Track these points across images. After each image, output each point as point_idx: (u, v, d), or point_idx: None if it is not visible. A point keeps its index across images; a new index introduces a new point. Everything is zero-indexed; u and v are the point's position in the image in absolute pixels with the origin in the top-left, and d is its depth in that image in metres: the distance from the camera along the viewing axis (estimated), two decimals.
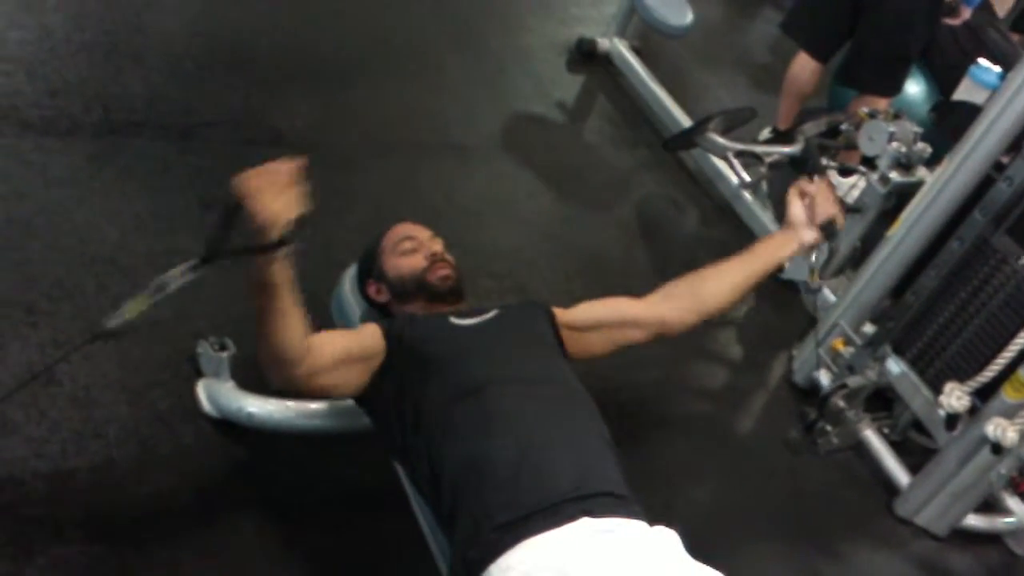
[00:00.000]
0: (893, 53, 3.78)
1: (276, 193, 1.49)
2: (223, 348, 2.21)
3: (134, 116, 2.96)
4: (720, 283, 2.15)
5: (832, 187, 2.24)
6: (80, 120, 2.84)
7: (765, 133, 4.13)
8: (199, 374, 2.23)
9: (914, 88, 4.17)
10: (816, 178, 2.26)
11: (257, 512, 2.08)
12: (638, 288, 3.21)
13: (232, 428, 2.17)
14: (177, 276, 1.55)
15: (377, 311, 2.17)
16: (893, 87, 3.86)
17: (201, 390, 2.20)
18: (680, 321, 2.14)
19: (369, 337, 1.88)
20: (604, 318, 2.12)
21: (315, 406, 2.19)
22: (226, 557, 1.97)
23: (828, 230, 2.19)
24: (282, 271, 1.57)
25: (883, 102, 3.74)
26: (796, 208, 2.22)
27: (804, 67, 3.92)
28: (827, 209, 2.20)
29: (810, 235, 2.21)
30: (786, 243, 2.22)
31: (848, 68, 3.90)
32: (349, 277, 2.30)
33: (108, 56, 3.13)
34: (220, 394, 2.18)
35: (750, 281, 2.17)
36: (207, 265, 1.56)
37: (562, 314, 2.08)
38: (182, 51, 3.32)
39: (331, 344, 1.80)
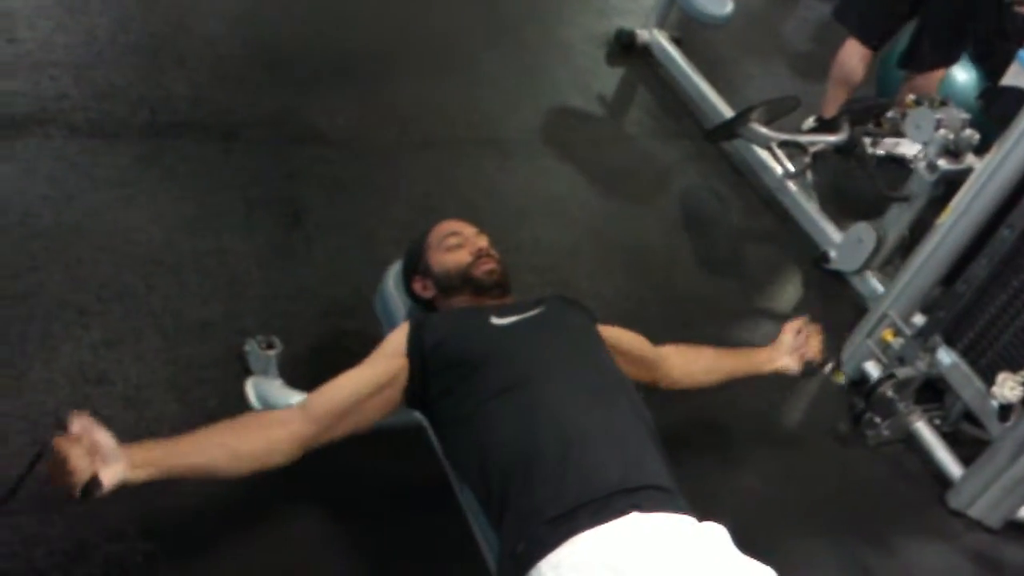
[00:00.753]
0: (957, 34, 3.79)
1: (62, 473, 1.51)
2: (271, 346, 2.22)
3: (178, 117, 2.99)
4: (712, 369, 2.37)
5: (820, 335, 2.51)
6: (126, 122, 2.87)
7: (809, 122, 4.08)
8: (247, 372, 2.24)
9: (961, 75, 4.11)
10: (813, 323, 2.51)
11: (308, 508, 2.09)
12: (682, 282, 3.22)
13: None
14: None
15: (422, 307, 2.18)
16: (953, 58, 3.90)
17: (250, 388, 2.21)
18: (673, 382, 2.30)
19: (384, 362, 1.89)
20: (630, 349, 2.17)
21: None
22: (278, 554, 1.98)
23: (807, 367, 2.46)
24: (141, 472, 1.60)
25: (933, 81, 3.72)
26: (788, 337, 2.46)
27: (853, 54, 3.86)
28: (814, 349, 2.47)
29: (792, 364, 2.45)
30: (769, 362, 2.44)
31: (913, 53, 3.87)
32: (393, 274, 2.31)
33: (152, 59, 3.17)
34: (269, 392, 2.19)
35: (733, 375, 2.41)
36: (8, 500, 1.65)
37: (602, 328, 2.09)
38: (224, 52, 3.35)
39: (339, 392, 1.83)
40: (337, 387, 1.84)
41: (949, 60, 3.90)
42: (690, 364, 2.32)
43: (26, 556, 1.81)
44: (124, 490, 1.94)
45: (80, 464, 1.51)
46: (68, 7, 3.19)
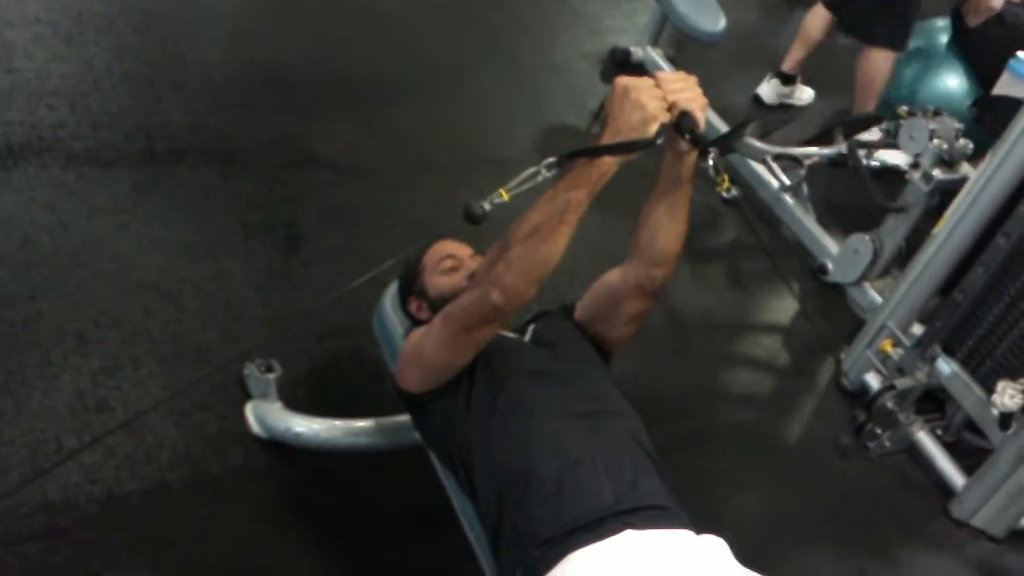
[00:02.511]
0: (880, 5, 4.02)
1: (651, 96, 1.57)
2: (270, 369, 2.23)
3: (175, 144, 3.01)
4: (657, 231, 1.99)
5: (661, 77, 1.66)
6: (123, 150, 2.89)
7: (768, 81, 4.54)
8: (247, 396, 2.25)
9: (954, 83, 4.13)
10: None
11: (307, 531, 2.09)
12: (679, 296, 3.22)
13: (280, 448, 2.19)
14: (536, 172, 1.74)
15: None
16: (892, 40, 4.08)
17: (249, 412, 2.23)
18: (656, 278, 1.99)
19: None
20: (596, 312, 2.06)
21: (361, 424, 2.21)
22: None
23: (685, 121, 1.65)
24: (610, 173, 1.67)
25: (877, 67, 4.08)
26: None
27: (818, 16, 4.30)
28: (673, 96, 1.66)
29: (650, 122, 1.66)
30: (669, 164, 1.91)
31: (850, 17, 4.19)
32: (390, 295, 2.31)
33: (149, 86, 3.19)
34: (268, 415, 2.21)
35: (675, 207, 1.99)
36: (567, 161, 1.71)
37: (577, 313, 2.08)
38: (221, 78, 3.37)
39: None
40: None
41: (890, 41, 4.07)
42: (647, 259, 1.99)
43: None
44: (126, 513, 1.96)
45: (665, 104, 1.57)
46: (64, 37, 3.21)
